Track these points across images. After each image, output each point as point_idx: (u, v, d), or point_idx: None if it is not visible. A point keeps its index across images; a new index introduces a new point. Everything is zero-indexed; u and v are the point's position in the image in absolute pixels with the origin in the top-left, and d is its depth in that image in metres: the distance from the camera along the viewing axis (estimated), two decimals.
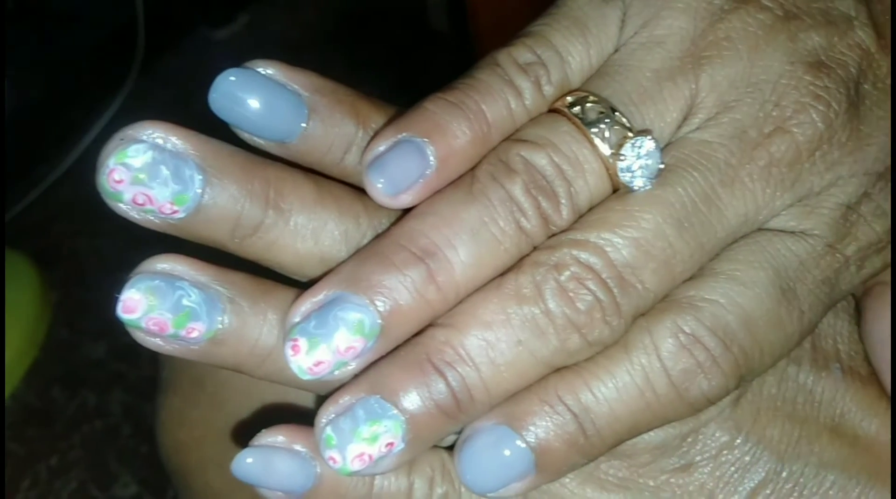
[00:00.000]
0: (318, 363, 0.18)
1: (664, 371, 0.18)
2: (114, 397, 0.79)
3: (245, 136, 0.19)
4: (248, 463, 0.19)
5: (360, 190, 0.20)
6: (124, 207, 0.18)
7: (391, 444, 0.18)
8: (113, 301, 0.18)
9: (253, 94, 0.19)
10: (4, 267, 0.80)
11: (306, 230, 0.19)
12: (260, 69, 0.19)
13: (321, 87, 0.19)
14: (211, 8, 1.08)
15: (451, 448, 0.22)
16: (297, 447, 0.20)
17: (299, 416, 0.21)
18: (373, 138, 0.19)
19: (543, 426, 0.19)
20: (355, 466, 0.18)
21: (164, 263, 0.18)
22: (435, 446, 0.21)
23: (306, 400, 0.24)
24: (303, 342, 0.18)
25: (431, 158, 0.19)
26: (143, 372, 0.80)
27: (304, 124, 0.19)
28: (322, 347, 0.18)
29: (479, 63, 0.20)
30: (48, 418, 0.78)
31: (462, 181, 0.19)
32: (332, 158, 0.20)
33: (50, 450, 0.76)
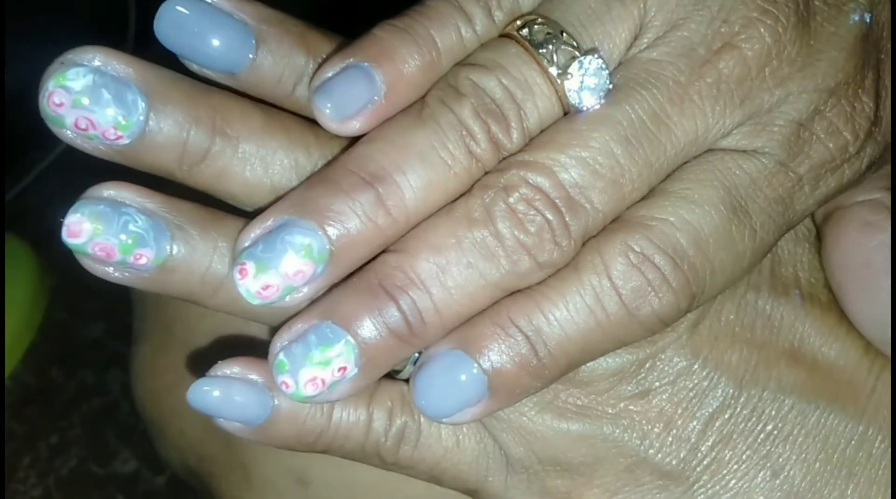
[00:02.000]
0: (266, 287, 0.18)
1: (614, 290, 0.18)
2: (112, 375, 0.79)
3: (194, 67, 0.19)
4: (203, 391, 0.19)
5: (311, 121, 0.20)
6: (69, 134, 0.18)
7: (344, 368, 0.18)
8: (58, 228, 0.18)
9: (199, 24, 0.19)
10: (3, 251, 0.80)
11: (255, 158, 0.19)
12: None
13: (269, 17, 0.19)
14: None
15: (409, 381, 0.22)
16: (253, 377, 0.20)
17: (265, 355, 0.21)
18: (321, 65, 0.19)
19: (496, 349, 0.19)
20: (308, 390, 0.18)
21: (110, 190, 0.18)
22: (394, 379, 0.21)
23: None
24: (250, 266, 0.18)
25: (380, 83, 0.18)
26: None
27: (251, 55, 0.19)
28: (270, 271, 0.18)
29: None
30: (47, 398, 0.79)
31: (411, 108, 0.19)
32: (283, 90, 0.20)
33: (50, 428, 0.77)
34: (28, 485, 0.74)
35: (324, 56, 0.20)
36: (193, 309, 0.27)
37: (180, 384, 0.28)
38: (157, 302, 0.28)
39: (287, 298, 0.18)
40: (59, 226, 0.18)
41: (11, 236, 0.84)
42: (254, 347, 0.25)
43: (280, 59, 0.19)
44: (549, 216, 0.18)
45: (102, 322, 0.82)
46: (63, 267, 0.85)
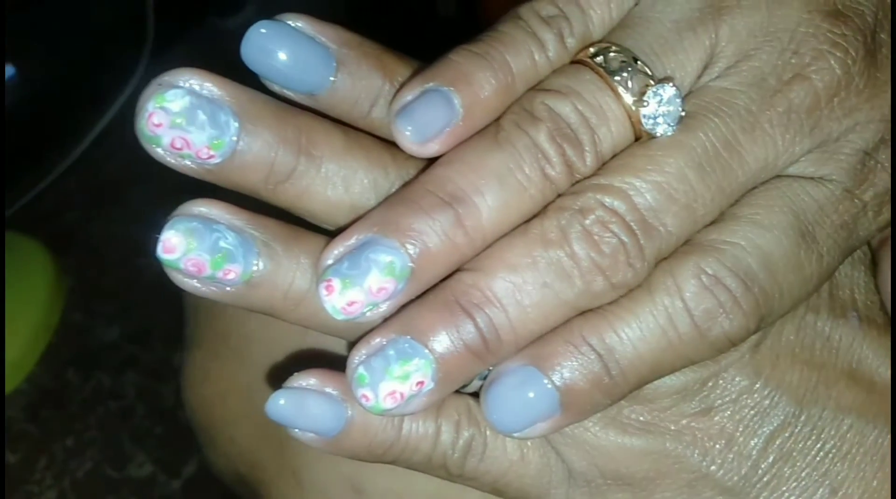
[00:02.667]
0: (351, 303, 0.19)
1: (687, 311, 0.19)
2: (128, 378, 0.80)
3: (275, 88, 0.20)
4: (280, 404, 0.20)
5: (388, 142, 0.21)
6: (162, 152, 0.19)
7: (421, 383, 0.19)
8: (152, 243, 0.18)
9: (283, 47, 0.19)
10: (14, 252, 0.80)
11: (337, 178, 0.20)
12: (289, 22, 0.20)
13: (349, 41, 0.20)
14: None
15: (475, 395, 0.22)
16: (329, 390, 0.20)
17: (326, 365, 0.22)
18: (400, 88, 0.20)
19: (569, 367, 0.19)
20: (387, 403, 0.19)
21: (202, 207, 0.19)
22: (460, 393, 0.22)
23: (332, 350, 0.25)
24: (336, 282, 0.19)
25: (458, 106, 0.19)
26: (156, 354, 0.81)
27: (332, 77, 0.20)
28: (355, 288, 0.18)
29: (503, 17, 0.21)
30: (63, 400, 0.79)
31: (487, 131, 0.20)
32: (360, 111, 0.20)
33: (65, 431, 0.77)
34: (43, 487, 0.74)
35: (399, 79, 0.20)
36: (251, 319, 0.28)
37: (232, 392, 0.28)
38: (213, 310, 0.28)
39: (367, 314, 0.19)
40: (155, 242, 0.18)
41: (28, 238, 0.85)
42: (313, 359, 0.26)
43: (358, 81, 0.20)
44: (624, 238, 0.19)
45: (118, 325, 0.82)
46: (79, 269, 0.86)
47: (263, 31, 0.19)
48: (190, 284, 0.19)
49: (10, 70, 0.88)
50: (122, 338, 0.82)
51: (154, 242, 0.18)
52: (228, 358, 0.28)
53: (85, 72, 0.98)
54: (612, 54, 0.20)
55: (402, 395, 0.19)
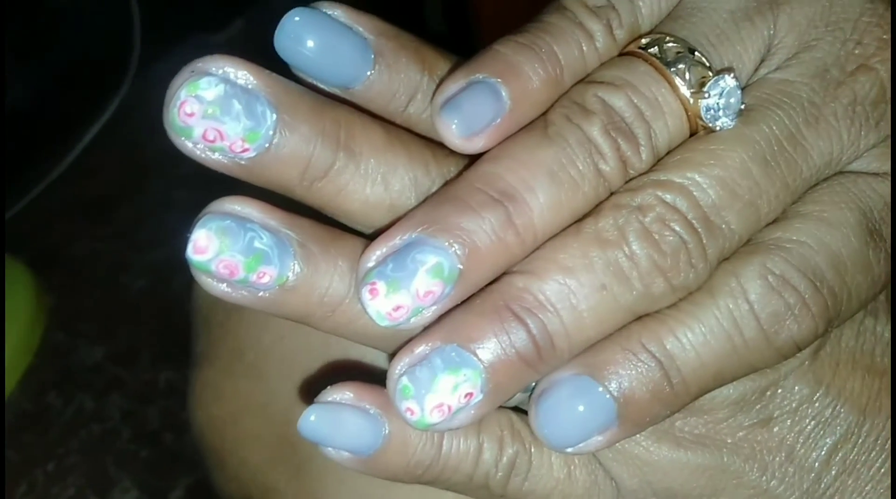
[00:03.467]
0: (397, 308, 0.17)
1: (753, 314, 0.18)
2: (111, 401, 0.77)
3: (309, 80, 0.19)
4: (313, 421, 0.19)
5: (426, 138, 0.20)
6: (191, 146, 0.17)
7: (470, 394, 0.18)
8: (182, 243, 0.17)
9: (318, 36, 0.18)
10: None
11: (377, 175, 0.18)
12: (325, 10, 0.18)
13: (386, 31, 0.19)
14: (206, 13, 1.07)
15: (517, 409, 0.21)
16: (366, 404, 0.19)
17: (357, 380, 0.20)
18: (443, 80, 0.19)
19: (627, 375, 0.18)
20: (434, 417, 0.17)
21: (235, 204, 0.18)
22: (503, 407, 0.21)
23: (363, 362, 0.23)
24: (381, 285, 0.17)
25: (506, 99, 0.18)
26: (141, 376, 0.78)
27: (370, 70, 0.18)
28: (402, 291, 0.17)
29: (547, 8, 0.20)
30: (44, 424, 0.76)
31: (535, 125, 0.18)
32: (397, 106, 0.19)
33: (46, 455, 0.74)
34: None
35: (438, 73, 0.19)
36: (266, 334, 0.26)
37: (246, 412, 0.27)
38: (226, 323, 0.27)
39: (412, 320, 0.18)
40: (185, 241, 0.17)
41: (8, 257, 0.82)
42: (340, 374, 0.24)
43: (396, 74, 0.19)
44: (686, 237, 0.18)
45: (102, 345, 0.80)
46: (61, 287, 0.83)
47: (297, 19, 0.18)
48: (220, 290, 0.18)
49: None
50: (106, 359, 0.80)
51: (184, 242, 0.17)
52: (243, 376, 0.26)
53: (69, 87, 0.96)
54: (667, 45, 0.19)
55: (449, 408, 0.18)
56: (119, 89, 0.97)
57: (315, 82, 0.19)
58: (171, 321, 0.71)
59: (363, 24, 0.19)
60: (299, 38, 0.18)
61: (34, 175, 0.89)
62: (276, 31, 0.18)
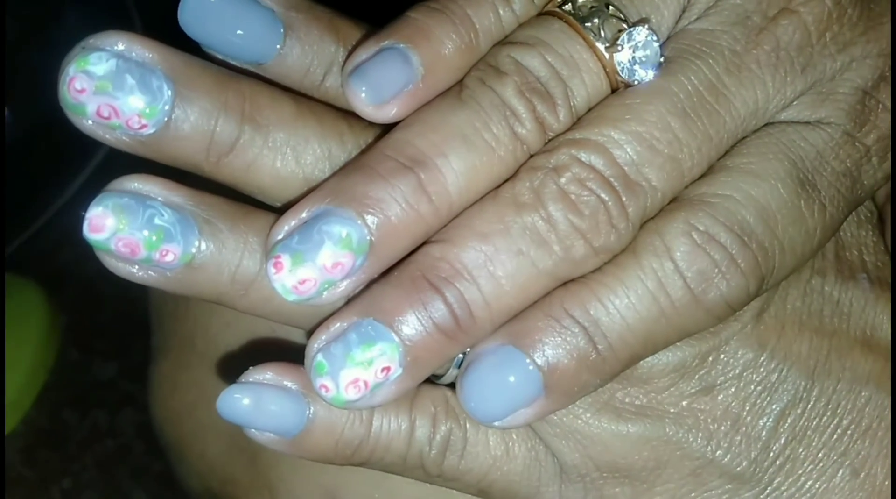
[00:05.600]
0: (302, 281, 0.17)
1: (678, 273, 0.17)
2: (125, 416, 0.78)
3: (219, 58, 0.18)
4: (234, 399, 0.18)
5: (343, 110, 0.19)
6: (90, 125, 0.17)
7: (387, 369, 0.17)
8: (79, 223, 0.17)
9: (225, 11, 0.18)
10: (8, 294, 0.79)
11: (286, 148, 0.18)
12: None
13: (297, 4, 0.19)
14: None
15: (452, 387, 0.20)
16: (288, 384, 0.19)
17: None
18: (354, 48, 0.18)
19: (551, 343, 0.17)
20: (350, 394, 0.17)
21: (135, 182, 0.17)
22: (436, 384, 0.20)
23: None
24: (286, 259, 0.17)
25: (417, 65, 0.17)
26: None
27: (280, 44, 0.18)
28: (307, 264, 0.17)
29: None
30: (60, 440, 0.77)
31: (450, 91, 0.18)
32: (312, 80, 0.19)
33: (62, 472, 0.75)
34: None
35: (354, 44, 0.19)
36: (214, 319, 0.26)
37: (201, 402, 0.26)
38: (176, 314, 0.27)
39: (324, 294, 0.17)
40: (82, 220, 0.16)
41: (22, 279, 0.83)
42: (283, 358, 0.24)
43: (309, 48, 0.18)
44: (605, 197, 0.17)
45: (115, 362, 0.80)
46: (74, 306, 0.84)
47: None
48: (125, 270, 0.17)
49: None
50: (120, 374, 0.80)
51: (80, 220, 0.17)
52: (196, 366, 0.26)
53: None
54: (581, 1, 0.18)
55: (366, 383, 0.17)
56: None
57: (225, 58, 0.18)
58: None
59: None
60: (205, 13, 0.18)
61: (43, 200, 0.91)
62: (180, 7, 0.18)
